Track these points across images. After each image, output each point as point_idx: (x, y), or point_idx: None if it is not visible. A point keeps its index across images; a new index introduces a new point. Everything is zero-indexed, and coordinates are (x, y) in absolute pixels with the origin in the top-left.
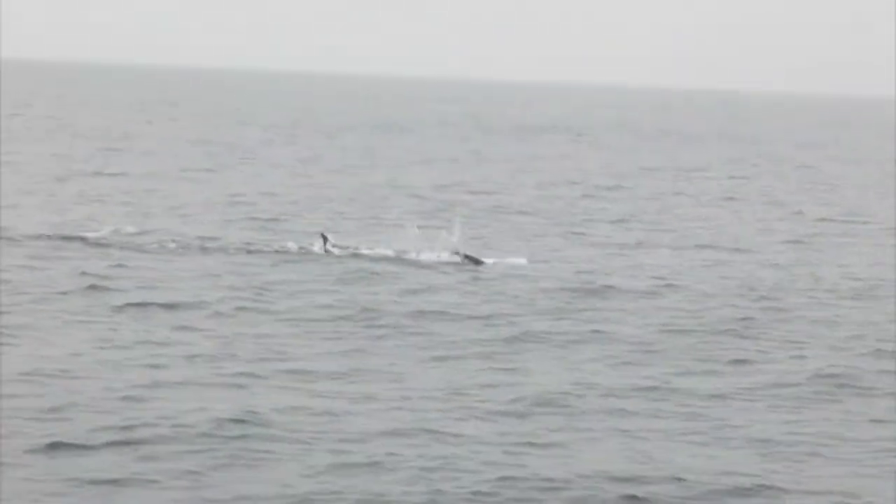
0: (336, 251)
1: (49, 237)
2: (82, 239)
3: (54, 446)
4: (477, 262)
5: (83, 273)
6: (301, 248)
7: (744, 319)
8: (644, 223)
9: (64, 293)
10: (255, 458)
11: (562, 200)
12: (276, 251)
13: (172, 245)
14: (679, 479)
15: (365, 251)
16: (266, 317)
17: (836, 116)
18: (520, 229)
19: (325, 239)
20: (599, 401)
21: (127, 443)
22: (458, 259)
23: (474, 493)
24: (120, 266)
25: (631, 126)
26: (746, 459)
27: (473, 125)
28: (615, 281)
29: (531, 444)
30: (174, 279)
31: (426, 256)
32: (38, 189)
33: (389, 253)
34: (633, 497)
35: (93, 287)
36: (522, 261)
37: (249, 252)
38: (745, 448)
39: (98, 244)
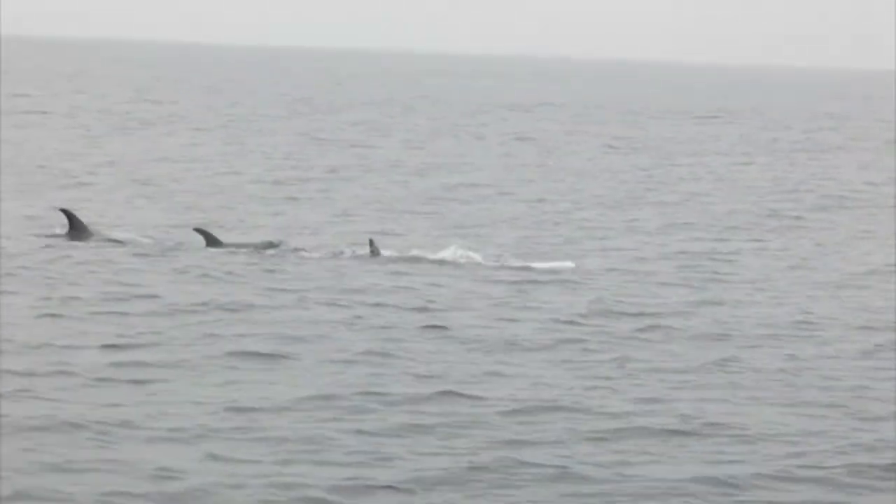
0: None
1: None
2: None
3: None
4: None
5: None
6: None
7: (689, 304)
8: (632, 206)
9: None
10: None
11: (551, 183)
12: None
13: (147, 240)
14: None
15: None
16: (203, 287)
17: (849, 90)
18: (497, 214)
19: (371, 243)
20: (519, 354)
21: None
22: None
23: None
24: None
25: (640, 102)
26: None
27: (475, 101)
28: (568, 271)
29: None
30: (129, 264)
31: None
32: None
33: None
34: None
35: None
36: (570, 264)
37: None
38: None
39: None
